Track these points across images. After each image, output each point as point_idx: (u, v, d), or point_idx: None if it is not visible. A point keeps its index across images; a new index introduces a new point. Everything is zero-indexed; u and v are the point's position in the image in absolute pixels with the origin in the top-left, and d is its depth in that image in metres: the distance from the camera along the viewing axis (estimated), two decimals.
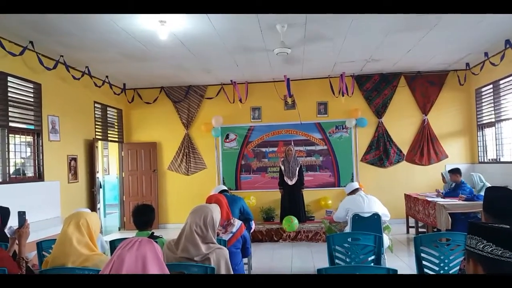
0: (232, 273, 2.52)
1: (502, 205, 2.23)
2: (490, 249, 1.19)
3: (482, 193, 3.78)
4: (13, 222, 3.11)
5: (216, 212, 2.63)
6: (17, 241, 2.91)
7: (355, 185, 5.27)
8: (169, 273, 1.64)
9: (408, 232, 7.54)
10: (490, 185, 5.82)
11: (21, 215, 2.92)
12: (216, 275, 2.29)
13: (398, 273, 2.24)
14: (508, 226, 1.22)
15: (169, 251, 2.51)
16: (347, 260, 3.34)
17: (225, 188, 5.64)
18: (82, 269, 2.30)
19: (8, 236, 3.05)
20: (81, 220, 2.42)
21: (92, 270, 2.26)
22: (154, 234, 3.07)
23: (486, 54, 7.01)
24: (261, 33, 5.62)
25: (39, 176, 6.10)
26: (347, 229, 4.59)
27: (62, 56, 6.28)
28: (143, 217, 3.14)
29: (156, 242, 3.00)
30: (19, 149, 5.79)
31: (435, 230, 6.12)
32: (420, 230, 7.21)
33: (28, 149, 6.12)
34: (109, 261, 1.58)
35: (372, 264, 3.28)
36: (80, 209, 2.95)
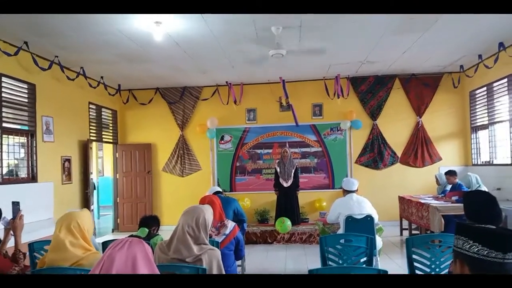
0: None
1: (481, 210, 2.22)
2: (476, 249, 1.20)
3: None
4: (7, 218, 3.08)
5: (208, 213, 2.63)
6: (11, 233, 2.89)
7: (354, 186, 4.85)
8: (159, 273, 1.64)
9: (401, 234, 7.54)
10: (477, 189, 5.86)
11: (15, 205, 2.89)
12: (207, 275, 2.29)
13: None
14: (494, 227, 1.23)
15: (161, 252, 2.51)
16: (340, 261, 3.34)
17: (219, 189, 5.64)
18: (74, 269, 2.29)
19: (3, 226, 3.02)
20: (72, 223, 2.40)
21: (84, 270, 2.24)
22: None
23: (480, 56, 7.06)
24: (256, 35, 5.63)
25: (32, 177, 6.07)
26: (340, 231, 4.60)
27: (57, 56, 6.26)
28: (146, 220, 4.15)
29: (149, 242, 3.00)
30: (12, 150, 5.76)
31: (428, 232, 6.13)
32: (413, 232, 7.22)
33: (22, 150, 6.09)
34: (99, 261, 1.58)
35: (364, 265, 3.29)
36: (71, 209, 2.93)
